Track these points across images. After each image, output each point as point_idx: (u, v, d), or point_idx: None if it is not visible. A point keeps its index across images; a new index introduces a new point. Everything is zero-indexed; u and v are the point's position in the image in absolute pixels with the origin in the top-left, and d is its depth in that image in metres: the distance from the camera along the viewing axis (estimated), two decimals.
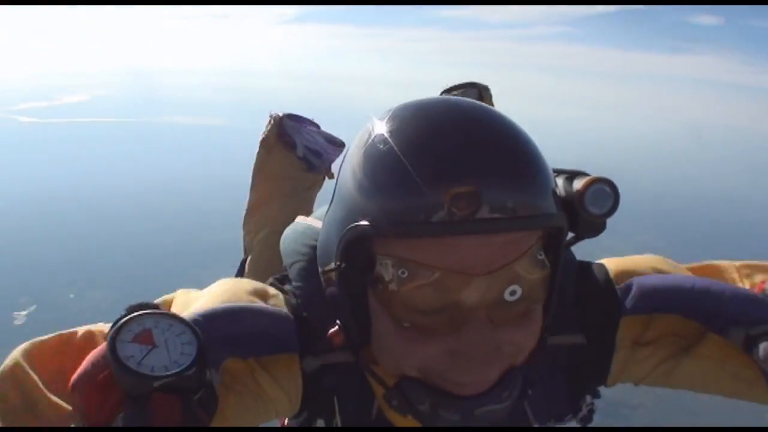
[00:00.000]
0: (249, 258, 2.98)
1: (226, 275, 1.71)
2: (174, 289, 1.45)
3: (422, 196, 1.04)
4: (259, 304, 1.37)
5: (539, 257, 1.14)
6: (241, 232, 3.19)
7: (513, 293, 1.10)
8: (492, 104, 2.58)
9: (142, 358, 1.07)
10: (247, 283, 1.46)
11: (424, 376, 1.19)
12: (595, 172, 1.29)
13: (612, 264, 1.56)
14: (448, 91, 2.62)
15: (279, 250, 1.64)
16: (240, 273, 2.96)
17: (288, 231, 1.67)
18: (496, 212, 1.05)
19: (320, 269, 1.38)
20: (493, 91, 2.67)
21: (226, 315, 1.29)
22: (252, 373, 1.35)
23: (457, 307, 1.10)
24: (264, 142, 3.07)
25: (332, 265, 1.23)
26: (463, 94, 2.57)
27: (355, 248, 1.16)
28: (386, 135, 1.14)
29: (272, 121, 3.02)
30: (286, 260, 1.55)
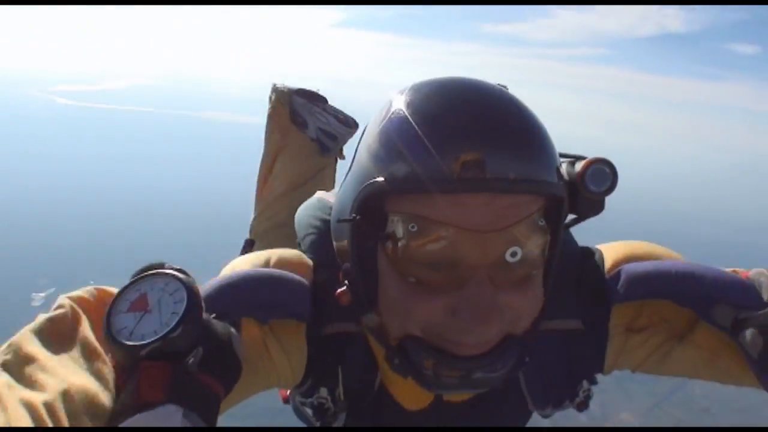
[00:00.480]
0: (256, 245, 2.97)
1: None
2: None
3: (433, 161, 1.10)
4: (279, 271, 1.39)
5: (540, 224, 1.20)
6: (251, 220, 3.18)
7: (514, 255, 1.15)
8: None
9: (135, 327, 1.04)
10: (272, 253, 1.48)
11: (426, 336, 1.22)
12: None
13: (610, 252, 1.55)
14: None
15: (287, 243, 1.66)
16: None
17: (303, 205, 1.70)
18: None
19: (333, 239, 1.43)
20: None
21: (249, 280, 1.33)
22: (264, 338, 1.38)
23: (461, 264, 1.14)
24: (276, 124, 3.01)
25: (347, 218, 1.27)
26: None
27: (369, 206, 1.21)
28: (402, 107, 1.20)
29: (278, 96, 2.95)
30: (300, 233, 1.59)
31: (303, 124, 2.95)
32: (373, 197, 1.19)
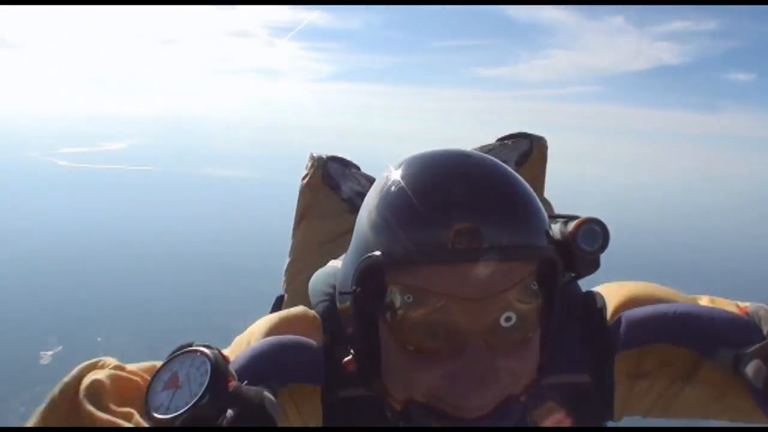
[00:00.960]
0: (286, 299, 2.99)
1: None
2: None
3: (429, 230, 1.16)
4: (298, 338, 1.47)
5: (533, 287, 1.23)
6: (282, 276, 3.18)
7: (508, 319, 1.18)
8: (544, 155, 2.93)
9: (169, 403, 1.14)
10: (283, 317, 1.55)
11: (428, 401, 1.24)
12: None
13: (612, 296, 1.60)
14: (502, 139, 2.97)
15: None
16: (274, 311, 2.89)
17: (316, 273, 1.78)
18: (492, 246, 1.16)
19: (338, 303, 1.50)
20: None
21: (274, 348, 1.41)
22: (281, 401, 1.40)
23: (457, 331, 1.18)
24: (307, 184, 3.10)
25: (348, 291, 1.32)
26: (514, 144, 2.95)
27: (369, 278, 1.25)
28: (400, 179, 1.26)
29: (314, 164, 3.06)
30: (313, 300, 1.65)
31: (336, 186, 3.06)
32: (371, 269, 1.24)
